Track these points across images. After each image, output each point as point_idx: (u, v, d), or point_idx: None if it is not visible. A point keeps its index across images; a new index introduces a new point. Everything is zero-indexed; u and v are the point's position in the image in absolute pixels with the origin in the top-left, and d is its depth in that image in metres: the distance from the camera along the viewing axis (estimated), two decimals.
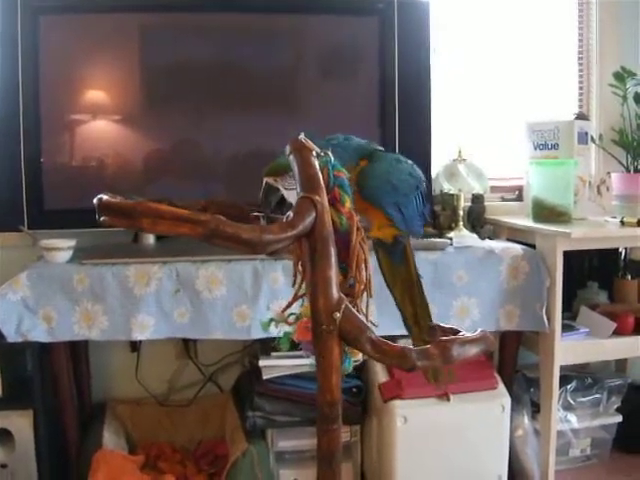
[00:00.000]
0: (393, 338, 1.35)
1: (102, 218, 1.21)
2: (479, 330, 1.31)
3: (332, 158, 1.42)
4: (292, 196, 1.47)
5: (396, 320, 2.58)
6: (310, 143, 1.39)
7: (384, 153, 1.67)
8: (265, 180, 1.53)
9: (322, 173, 1.36)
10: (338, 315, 1.21)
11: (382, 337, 1.24)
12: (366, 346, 1.22)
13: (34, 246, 2.64)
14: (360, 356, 1.36)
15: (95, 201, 1.23)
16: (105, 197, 1.22)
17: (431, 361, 1.21)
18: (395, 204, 1.65)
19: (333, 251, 1.26)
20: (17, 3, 2.56)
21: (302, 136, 1.41)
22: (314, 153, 1.38)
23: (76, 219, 2.50)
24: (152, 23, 2.76)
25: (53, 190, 2.66)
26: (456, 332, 1.33)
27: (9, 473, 2.49)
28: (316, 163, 1.36)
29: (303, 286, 1.40)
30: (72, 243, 2.55)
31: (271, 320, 1.50)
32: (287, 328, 1.42)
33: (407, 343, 1.31)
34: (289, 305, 1.42)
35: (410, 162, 1.73)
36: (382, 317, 2.55)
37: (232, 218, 1.57)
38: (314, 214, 1.25)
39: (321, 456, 1.26)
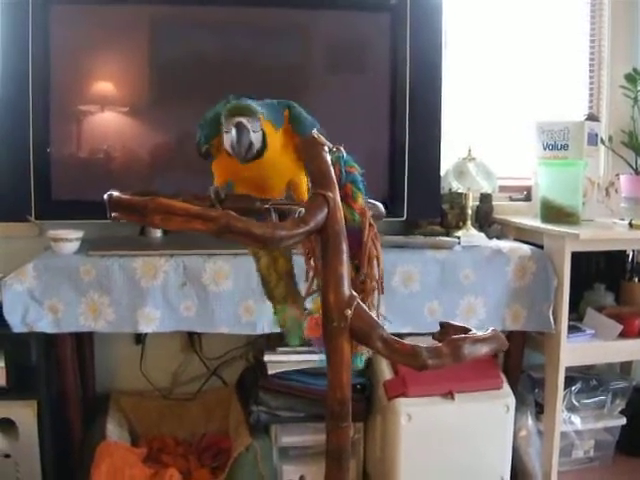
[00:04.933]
0: (400, 335, 1.35)
1: (113, 215, 1.20)
2: (490, 329, 1.30)
3: (344, 153, 1.41)
4: (257, 140, 1.44)
5: (406, 317, 2.60)
6: (322, 138, 1.39)
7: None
8: (238, 120, 1.42)
9: (334, 169, 1.35)
10: (349, 312, 1.21)
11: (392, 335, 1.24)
12: (377, 344, 1.21)
13: (41, 236, 2.64)
14: (369, 352, 1.35)
15: (105, 197, 1.22)
16: (115, 194, 1.21)
17: (442, 359, 1.20)
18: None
19: (345, 247, 1.26)
20: None
21: (314, 131, 1.41)
22: (326, 149, 1.37)
23: (83, 210, 2.49)
24: (162, 16, 2.75)
25: (61, 181, 2.66)
26: (467, 330, 1.32)
27: (12, 463, 2.49)
28: (328, 158, 1.36)
29: (315, 282, 1.40)
30: (79, 234, 2.54)
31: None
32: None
33: (415, 341, 1.30)
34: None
35: None
36: (391, 314, 2.57)
37: (245, 211, 1.57)
38: (326, 210, 1.25)
39: (330, 454, 1.26)
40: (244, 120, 1.41)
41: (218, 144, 1.53)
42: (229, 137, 1.41)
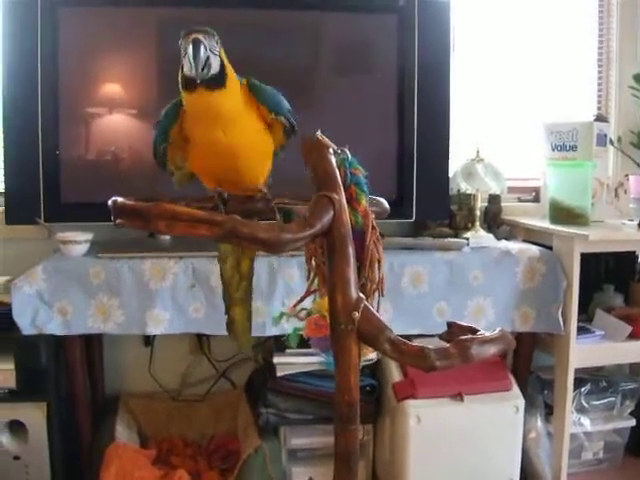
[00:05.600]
0: (409, 337, 1.35)
1: (117, 221, 1.20)
2: (498, 329, 1.30)
3: (349, 155, 1.41)
4: (215, 62, 1.46)
5: (414, 319, 2.60)
6: (327, 140, 1.39)
7: None
8: (195, 36, 1.43)
9: (339, 171, 1.35)
10: (357, 315, 1.21)
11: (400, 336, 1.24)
12: (385, 346, 1.21)
13: (50, 239, 2.65)
14: (373, 355, 1.35)
15: (109, 203, 1.22)
16: (119, 199, 1.21)
17: (450, 360, 1.20)
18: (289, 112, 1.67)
19: (351, 250, 1.26)
20: None
21: (319, 133, 1.41)
22: (331, 150, 1.37)
23: (93, 212, 2.47)
24: (170, 18, 2.75)
25: (70, 183, 2.66)
26: (474, 331, 1.32)
27: (22, 465, 2.49)
28: (333, 160, 1.36)
29: (315, 282, 1.40)
30: (89, 236, 2.55)
31: (282, 314, 1.50)
32: (298, 324, 1.42)
33: (423, 342, 1.29)
34: (301, 300, 1.41)
35: None
36: (399, 315, 2.57)
37: (250, 212, 1.58)
38: (332, 212, 1.25)
39: (338, 456, 1.25)
40: (200, 36, 1.43)
41: (179, 129, 1.58)
42: (186, 58, 1.43)
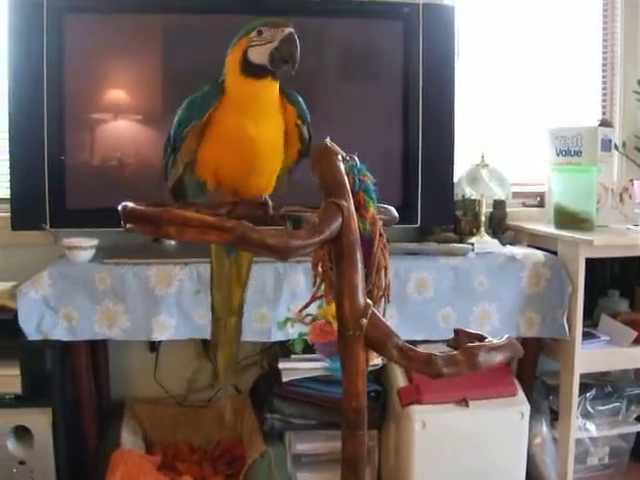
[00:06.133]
0: (414, 342, 1.35)
1: (127, 226, 1.20)
2: (505, 336, 1.30)
3: (358, 162, 1.41)
4: None
5: (419, 324, 2.60)
6: (336, 147, 1.39)
7: None
8: (289, 29, 1.55)
9: (347, 177, 1.35)
10: (365, 321, 1.21)
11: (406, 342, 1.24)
12: (392, 352, 1.21)
13: (56, 245, 2.65)
14: (378, 360, 1.35)
15: (119, 208, 1.22)
16: (130, 204, 1.21)
17: (457, 367, 1.20)
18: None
19: (359, 257, 1.26)
20: (43, 1, 2.56)
21: (328, 140, 1.41)
22: (340, 157, 1.37)
23: (98, 218, 2.50)
24: (175, 24, 2.76)
25: (76, 189, 2.67)
26: (482, 338, 1.32)
27: (28, 470, 2.50)
28: (342, 167, 1.36)
29: (322, 288, 1.40)
30: (94, 242, 2.56)
31: (287, 319, 1.50)
32: (303, 329, 1.42)
33: (428, 348, 1.29)
34: (306, 306, 1.42)
35: None
36: (404, 321, 2.57)
37: (258, 219, 1.58)
38: (340, 219, 1.25)
39: (346, 462, 1.25)
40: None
41: (202, 127, 1.60)
42: (268, 47, 1.53)
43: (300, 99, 1.67)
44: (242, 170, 1.62)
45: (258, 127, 1.58)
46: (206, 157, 1.64)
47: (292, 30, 1.53)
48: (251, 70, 1.54)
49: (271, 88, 1.58)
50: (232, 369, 1.88)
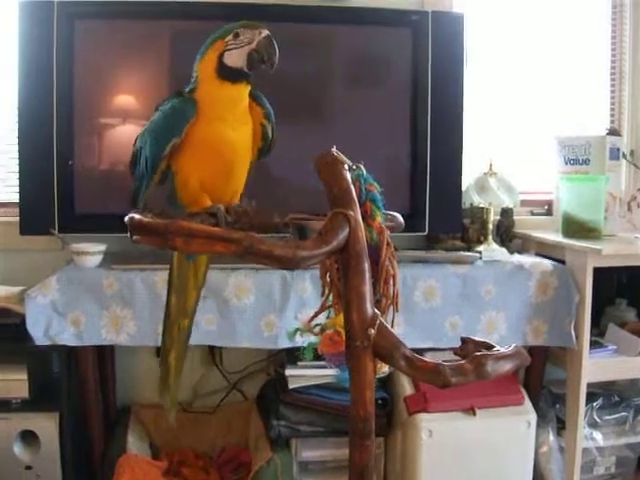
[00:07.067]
0: (421, 351, 1.35)
1: (135, 237, 1.21)
2: (513, 345, 1.30)
3: (364, 171, 1.41)
4: None
5: (426, 332, 2.60)
6: (342, 156, 1.38)
7: None
8: (267, 32, 1.59)
9: (354, 187, 1.35)
10: (373, 331, 1.21)
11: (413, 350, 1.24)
12: (400, 362, 1.21)
13: (64, 250, 2.65)
14: (386, 368, 1.35)
15: (126, 220, 1.23)
16: (136, 216, 1.22)
17: (466, 377, 1.20)
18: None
19: (367, 266, 1.26)
20: (54, 8, 2.58)
21: (334, 149, 1.41)
22: (346, 166, 1.37)
23: (106, 223, 2.50)
24: (184, 30, 2.76)
25: (84, 194, 2.68)
26: (489, 346, 1.32)
27: (34, 475, 2.50)
28: (349, 176, 1.36)
29: (330, 297, 1.40)
30: (102, 248, 2.56)
31: (297, 330, 1.50)
32: (312, 338, 1.42)
33: (435, 356, 1.29)
34: (315, 316, 1.41)
35: None
36: (412, 329, 2.57)
37: (263, 227, 1.58)
38: (348, 229, 1.25)
39: (353, 471, 1.25)
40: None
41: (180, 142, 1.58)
42: (246, 49, 1.55)
43: (265, 99, 1.69)
44: (222, 177, 1.63)
45: (235, 132, 1.59)
46: (185, 168, 1.63)
47: (269, 32, 1.55)
48: (227, 74, 1.55)
49: (245, 93, 1.60)
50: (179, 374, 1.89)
